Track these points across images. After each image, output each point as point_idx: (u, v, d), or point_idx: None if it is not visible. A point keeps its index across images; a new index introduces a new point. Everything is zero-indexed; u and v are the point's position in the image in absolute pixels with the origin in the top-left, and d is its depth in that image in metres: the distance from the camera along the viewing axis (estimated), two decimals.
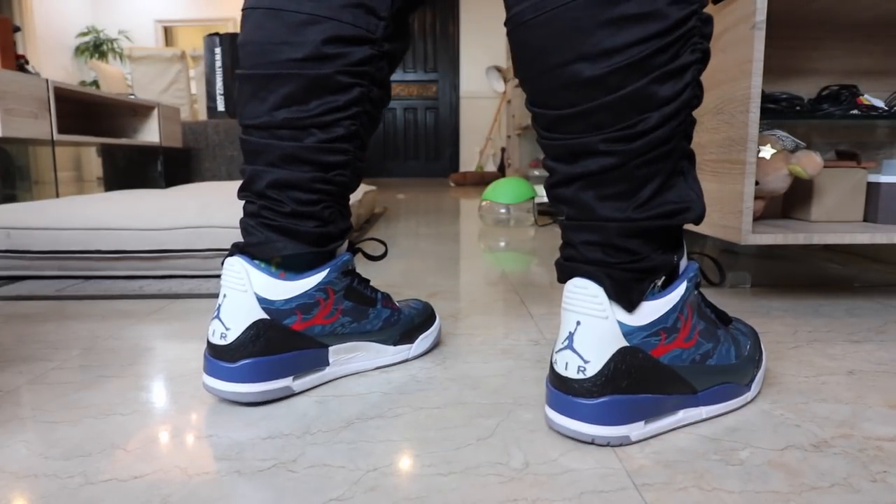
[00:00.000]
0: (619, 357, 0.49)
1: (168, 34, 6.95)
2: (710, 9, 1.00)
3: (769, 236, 0.92)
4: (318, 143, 0.58)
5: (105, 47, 6.59)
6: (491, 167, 6.16)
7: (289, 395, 0.60)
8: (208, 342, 0.58)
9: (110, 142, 2.26)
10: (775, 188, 1.03)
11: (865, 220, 1.07)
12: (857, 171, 1.06)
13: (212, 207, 1.18)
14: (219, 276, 1.16)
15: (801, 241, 0.93)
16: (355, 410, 0.57)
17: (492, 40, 6.41)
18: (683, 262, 0.54)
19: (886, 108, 1.08)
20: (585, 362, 0.50)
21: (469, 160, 6.63)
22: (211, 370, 0.57)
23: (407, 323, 0.70)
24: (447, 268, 1.30)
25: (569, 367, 0.51)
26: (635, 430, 0.50)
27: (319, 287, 0.60)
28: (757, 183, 1.02)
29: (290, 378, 0.59)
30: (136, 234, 1.13)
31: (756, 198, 1.05)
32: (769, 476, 0.45)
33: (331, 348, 0.63)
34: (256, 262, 0.58)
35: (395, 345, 0.69)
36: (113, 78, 4.26)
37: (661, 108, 0.46)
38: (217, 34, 2.88)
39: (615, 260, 0.50)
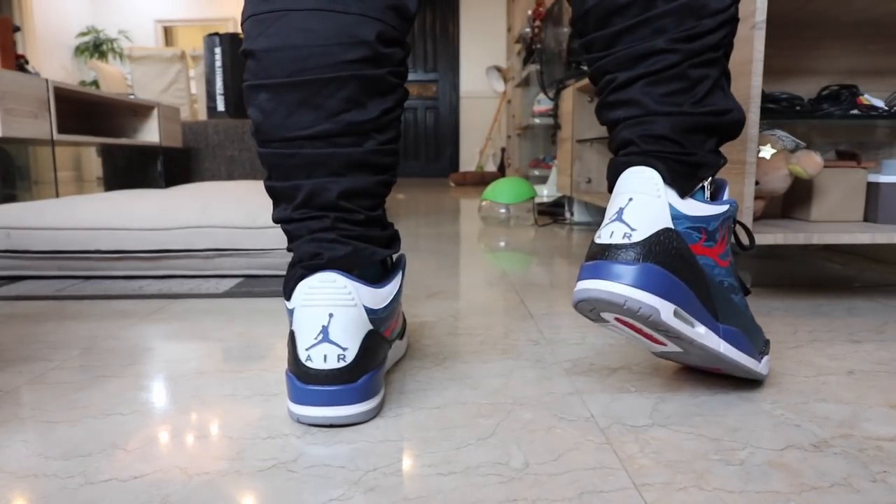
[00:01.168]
0: (665, 234, 0.52)
1: (168, 34, 6.95)
2: None
3: (769, 236, 0.92)
4: (377, 147, 0.57)
5: (105, 47, 6.59)
6: (491, 167, 6.17)
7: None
8: (303, 367, 0.53)
9: (110, 142, 2.26)
10: (775, 188, 1.03)
11: (865, 220, 1.07)
12: (857, 171, 1.06)
13: (212, 207, 1.18)
14: (219, 276, 1.16)
15: (801, 241, 0.93)
16: None
17: (492, 40, 6.42)
18: (726, 195, 0.60)
19: (886, 108, 1.08)
20: (632, 230, 0.52)
21: (469, 160, 6.63)
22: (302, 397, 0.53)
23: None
24: (447, 268, 1.30)
25: (614, 235, 0.53)
26: (666, 309, 0.51)
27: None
28: (757, 183, 1.02)
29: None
30: (135, 234, 1.13)
31: (756, 198, 1.05)
32: (769, 476, 0.45)
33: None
34: (351, 275, 0.55)
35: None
36: (113, 78, 4.27)
37: (714, 16, 0.54)
38: (217, 34, 2.88)
39: (670, 150, 0.55)
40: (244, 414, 0.56)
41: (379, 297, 0.57)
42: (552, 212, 2.25)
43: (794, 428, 0.53)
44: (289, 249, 0.59)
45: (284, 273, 1.17)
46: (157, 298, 1.02)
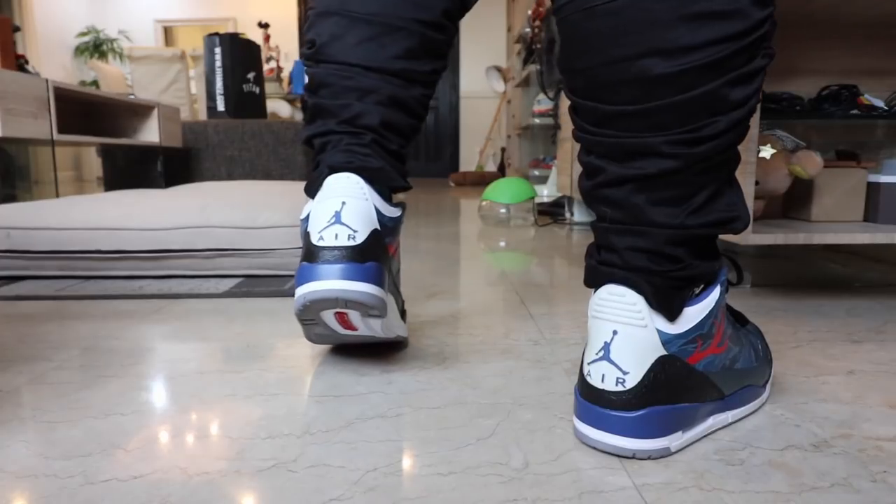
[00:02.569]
0: (659, 367, 0.48)
1: (168, 34, 6.95)
2: None
3: (769, 236, 0.92)
4: (419, 95, 0.65)
5: (105, 47, 6.60)
6: (491, 167, 6.17)
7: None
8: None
9: (110, 142, 2.26)
10: (775, 188, 1.03)
11: (865, 220, 1.07)
12: (857, 171, 1.06)
13: (212, 207, 1.18)
14: (219, 276, 1.16)
15: (801, 241, 0.93)
16: (355, 410, 0.57)
17: (492, 40, 6.42)
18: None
19: (886, 108, 1.08)
20: (624, 373, 0.48)
21: (469, 160, 6.63)
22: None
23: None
24: (447, 268, 1.30)
25: (606, 379, 0.48)
26: (675, 440, 0.49)
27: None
28: (757, 183, 1.02)
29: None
30: (136, 234, 1.13)
31: (756, 198, 1.05)
32: (769, 476, 0.45)
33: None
34: (375, 186, 0.61)
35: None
36: (113, 78, 4.27)
37: (730, 112, 0.45)
38: (217, 34, 2.88)
39: (660, 268, 0.48)
40: (244, 414, 0.56)
41: (386, 208, 0.63)
42: (552, 212, 2.25)
43: (794, 428, 0.53)
44: (315, 162, 0.64)
45: (284, 273, 1.17)
46: (157, 298, 1.02)
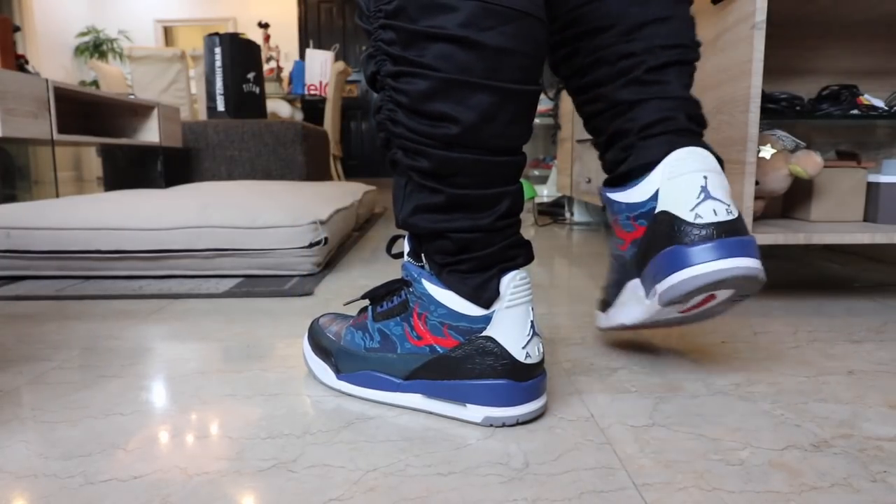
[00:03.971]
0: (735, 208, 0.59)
1: (168, 34, 6.95)
2: (709, 9, 1.00)
3: (769, 236, 0.92)
4: None
5: (105, 47, 6.60)
6: None
7: None
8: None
9: (110, 142, 2.26)
10: (775, 188, 1.03)
11: (865, 220, 1.07)
12: (857, 171, 1.06)
13: (212, 207, 1.18)
14: (219, 276, 1.16)
15: (801, 241, 0.93)
16: (355, 410, 0.57)
17: None
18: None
19: (886, 108, 1.08)
20: (728, 204, 0.57)
21: None
22: None
23: None
24: None
25: (717, 212, 0.57)
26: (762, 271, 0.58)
27: None
28: (757, 183, 1.02)
29: None
30: (135, 234, 1.13)
31: (756, 198, 1.05)
32: (769, 476, 0.45)
33: None
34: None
35: None
36: (113, 78, 4.27)
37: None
38: (217, 34, 2.87)
39: (700, 130, 0.64)
40: (244, 414, 0.56)
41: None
42: (552, 212, 2.25)
43: (794, 428, 0.53)
44: (466, 258, 0.54)
45: (284, 273, 1.17)
46: (157, 298, 1.02)
